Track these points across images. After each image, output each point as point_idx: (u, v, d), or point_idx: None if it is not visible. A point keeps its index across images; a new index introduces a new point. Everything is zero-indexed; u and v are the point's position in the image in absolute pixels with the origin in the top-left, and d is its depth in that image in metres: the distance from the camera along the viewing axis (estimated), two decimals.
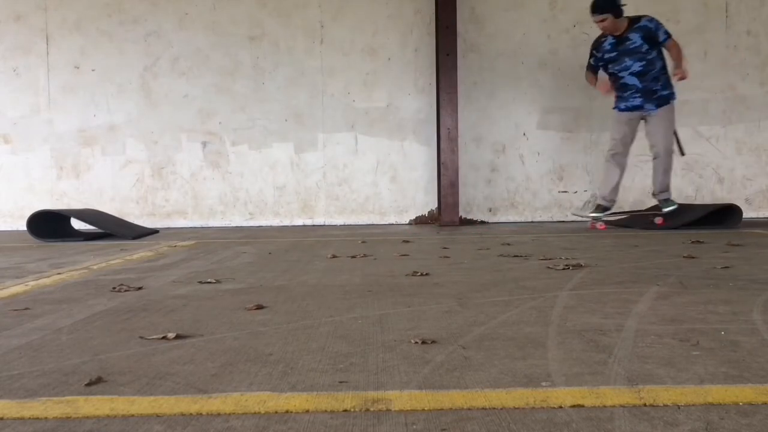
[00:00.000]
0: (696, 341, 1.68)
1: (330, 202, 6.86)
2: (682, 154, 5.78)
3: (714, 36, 6.85)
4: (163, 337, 1.81)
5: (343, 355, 1.60)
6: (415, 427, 1.14)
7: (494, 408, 1.22)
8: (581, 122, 6.87)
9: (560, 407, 1.22)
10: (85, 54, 6.75)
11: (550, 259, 3.47)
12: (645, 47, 5.41)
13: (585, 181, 6.90)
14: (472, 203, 6.87)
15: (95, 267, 3.49)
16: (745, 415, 1.17)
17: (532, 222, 6.83)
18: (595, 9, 5.36)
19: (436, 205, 6.82)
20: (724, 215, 5.59)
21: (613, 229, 5.73)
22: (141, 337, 1.83)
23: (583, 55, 6.85)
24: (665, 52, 5.50)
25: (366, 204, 6.89)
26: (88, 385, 1.39)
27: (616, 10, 5.35)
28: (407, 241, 4.75)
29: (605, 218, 5.80)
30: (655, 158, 5.58)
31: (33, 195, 6.77)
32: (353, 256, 3.77)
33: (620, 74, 5.52)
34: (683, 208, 5.85)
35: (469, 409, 1.22)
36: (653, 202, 6.65)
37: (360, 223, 6.86)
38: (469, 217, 6.85)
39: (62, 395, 1.33)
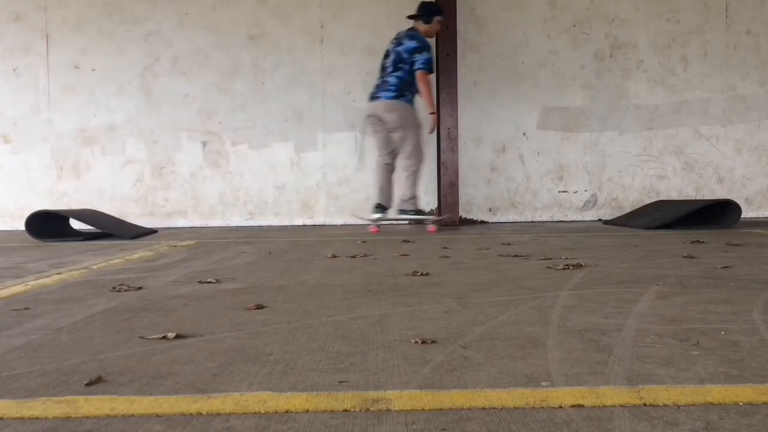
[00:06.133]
0: (696, 341, 1.68)
1: (330, 202, 6.86)
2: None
3: (714, 36, 6.86)
4: (163, 337, 1.81)
5: (343, 355, 1.60)
6: (415, 426, 1.14)
7: (494, 408, 1.22)
8: (581, 122, 6.87)
9: (560, 407, 1.22)
10: (85, 54, 6.75)
11: (550, 258, 3.47)
12: None
13: (585, 181, 6.90)
14: (472, 203, 6.87)
15: (95, 267, 3.49)
16: (745, 415, 1.17)
17: (532, 222, 6.83)
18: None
19: (436, 205, 6.82)
20: (723, 212, 5.59)
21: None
22: (141, 337, 1.83)
23: (583, 55, 6.88)
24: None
25: (366, 204, 6.88)
26: (88, 384, 1.39)
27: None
28: (407, 241, 4.75)
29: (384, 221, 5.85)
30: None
31: (33, 195, 6.77)
32: (353, 256, 3.77)
33: None
34: (681, 203, 5.86)
35: (469, 409, 1.22)
36: (651, 200, 6.66)
37: (360, 222, 6.86)
38: (469, 217, 6.85)
39: (62, 395, 1.33)
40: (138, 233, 5.64)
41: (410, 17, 5.85)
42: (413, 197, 5.70)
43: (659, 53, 6.85)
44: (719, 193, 6.87)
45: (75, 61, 6.76)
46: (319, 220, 6.86)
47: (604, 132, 6.89)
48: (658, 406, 1.22)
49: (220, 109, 6.80)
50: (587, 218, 6.91)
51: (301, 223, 6.85)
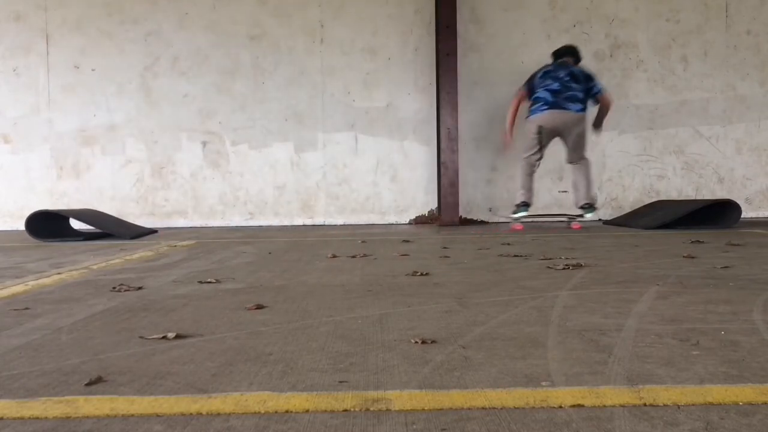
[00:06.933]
0: (696, 341, 1.68)
1: (330, 202, 6.86)
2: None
3: (714, 36, 6.85)
4: (163, 337, 1.81)
5: (343, 355, 1.60)
6: (415, 426, 1.14)
7: (494, 408, 1.22)
8: None
9: (560, 407, 1.22)
10: (85, 54, 6.75)
11: (550, 259, 3.47)
12: None
13: None
14: (472, 203, 6.87)
15: (95, 267, 3.49)
16: (745, 415, 1.17)
17: (532, 222, 6.83)
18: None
19: (436, 205, 6.82)
20: (723, 212, 5.59)
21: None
22: (141, 337, 1.83)
23: (583, 55, 6.88)
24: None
25: (366, 204, 6.89)
26: (88, 384, 1.39)
27: None
28: (407, 241, 4.75)
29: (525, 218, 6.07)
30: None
31: (33, 195, 6.77)
32: (353, 256, 3.77)
33: None
34: (681, 203, 5.86)
35: (469, 408, 1.22)
36: (651, 200, 6.66)
37: (360, 222, 6.86)
38: (469, 217, 6.85)
39: (62, 395, 1.33)
40: (138, 233, 5.64)
41: (559, 54, 6.06)
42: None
43: (659, 53, 6.85)
44: (719, 193, 6.87)
45: (75, 61, 6.76)
46: (319, 220, 6.86)
47: (604, 132, 6.88)
48: (658, 406, 1.22)
49: (220, 109, 6.80)
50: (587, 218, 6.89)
51: (301, 223, 6.85)
